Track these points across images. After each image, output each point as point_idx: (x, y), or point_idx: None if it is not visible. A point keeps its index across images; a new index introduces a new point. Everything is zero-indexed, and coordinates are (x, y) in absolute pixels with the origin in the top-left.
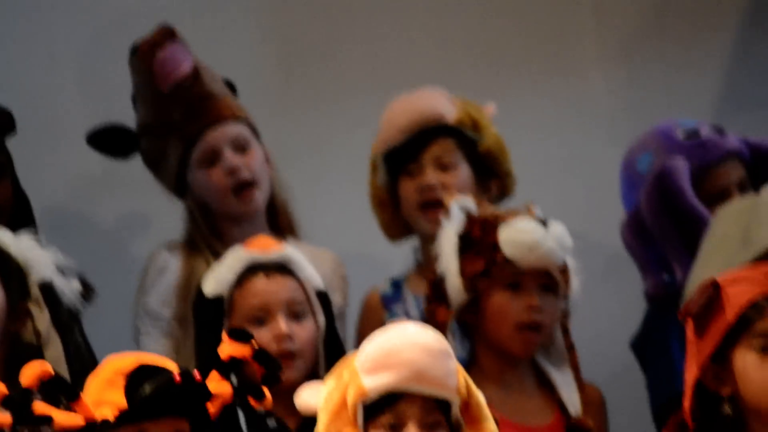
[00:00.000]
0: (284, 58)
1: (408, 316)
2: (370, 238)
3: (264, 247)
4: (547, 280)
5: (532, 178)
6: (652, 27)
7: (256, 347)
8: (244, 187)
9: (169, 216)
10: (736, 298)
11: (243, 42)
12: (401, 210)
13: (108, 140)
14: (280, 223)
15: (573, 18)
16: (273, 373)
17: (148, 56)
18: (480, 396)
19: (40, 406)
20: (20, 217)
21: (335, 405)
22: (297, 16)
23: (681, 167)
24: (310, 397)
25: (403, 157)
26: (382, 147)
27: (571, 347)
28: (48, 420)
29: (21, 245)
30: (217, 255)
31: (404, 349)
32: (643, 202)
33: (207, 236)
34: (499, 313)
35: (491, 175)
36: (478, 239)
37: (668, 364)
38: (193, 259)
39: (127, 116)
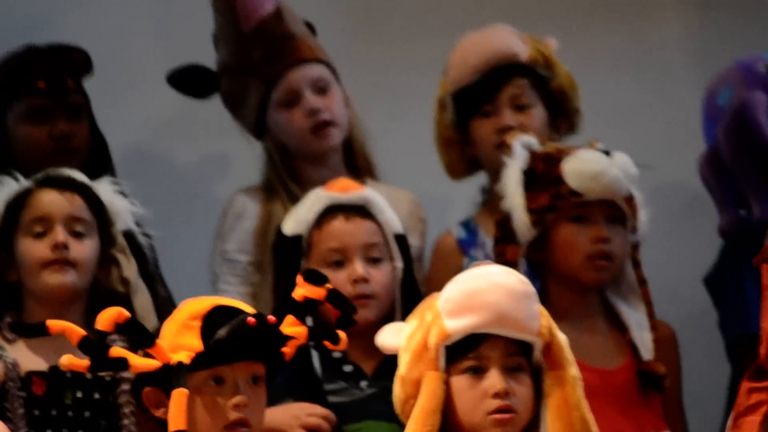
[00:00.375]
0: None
1: (488, 259)
2: (443, 177)
3: (344, 188)
4: (614, 212)
5: (606, 118)
6: None
7: (331, 289)
8: (322, 127)
9: (248, 158)
10: None
11: None
12: (472, 149)
13: (188, 80)
14: (357, 165)
15: None
16: (347, 316)
17: None
18: (563, 339)
19: (116, 350)
20: (98, 160)
21: (417, 346)
22: None
23: (760, 101)
24: (391, 336)
25: (477, 97)
26: (453, 86)
27: (642, 282)
28: (124, 363)
29: (104, 192)
30: (294, 198)
31: (488, 291)
32: (721, 137)
33: (285, 178)
34: (568, 246)
35: (561, 113)
36: (542, 173)
37: (741, 301)
38: (271, 203)
39: (204, 57)
